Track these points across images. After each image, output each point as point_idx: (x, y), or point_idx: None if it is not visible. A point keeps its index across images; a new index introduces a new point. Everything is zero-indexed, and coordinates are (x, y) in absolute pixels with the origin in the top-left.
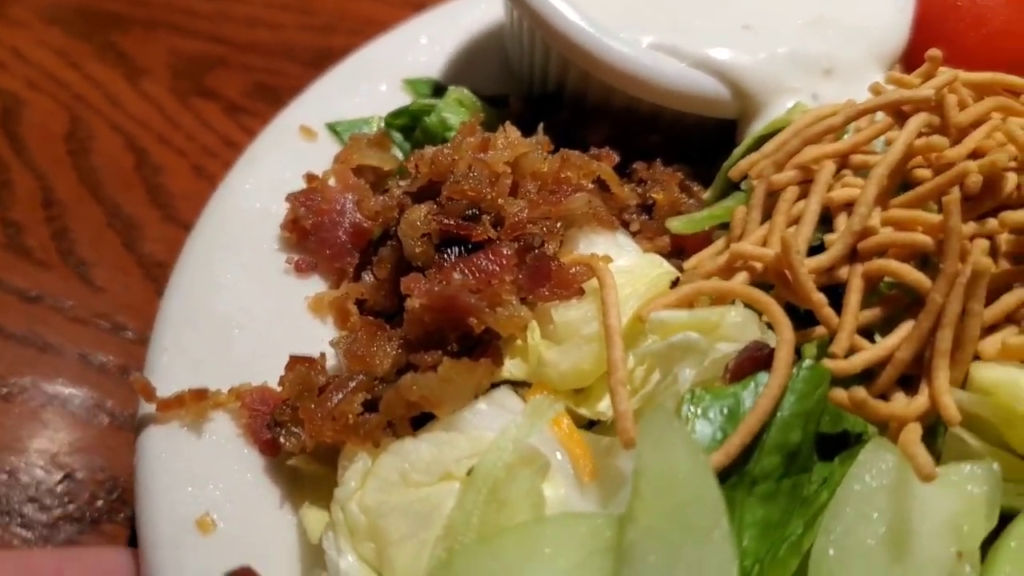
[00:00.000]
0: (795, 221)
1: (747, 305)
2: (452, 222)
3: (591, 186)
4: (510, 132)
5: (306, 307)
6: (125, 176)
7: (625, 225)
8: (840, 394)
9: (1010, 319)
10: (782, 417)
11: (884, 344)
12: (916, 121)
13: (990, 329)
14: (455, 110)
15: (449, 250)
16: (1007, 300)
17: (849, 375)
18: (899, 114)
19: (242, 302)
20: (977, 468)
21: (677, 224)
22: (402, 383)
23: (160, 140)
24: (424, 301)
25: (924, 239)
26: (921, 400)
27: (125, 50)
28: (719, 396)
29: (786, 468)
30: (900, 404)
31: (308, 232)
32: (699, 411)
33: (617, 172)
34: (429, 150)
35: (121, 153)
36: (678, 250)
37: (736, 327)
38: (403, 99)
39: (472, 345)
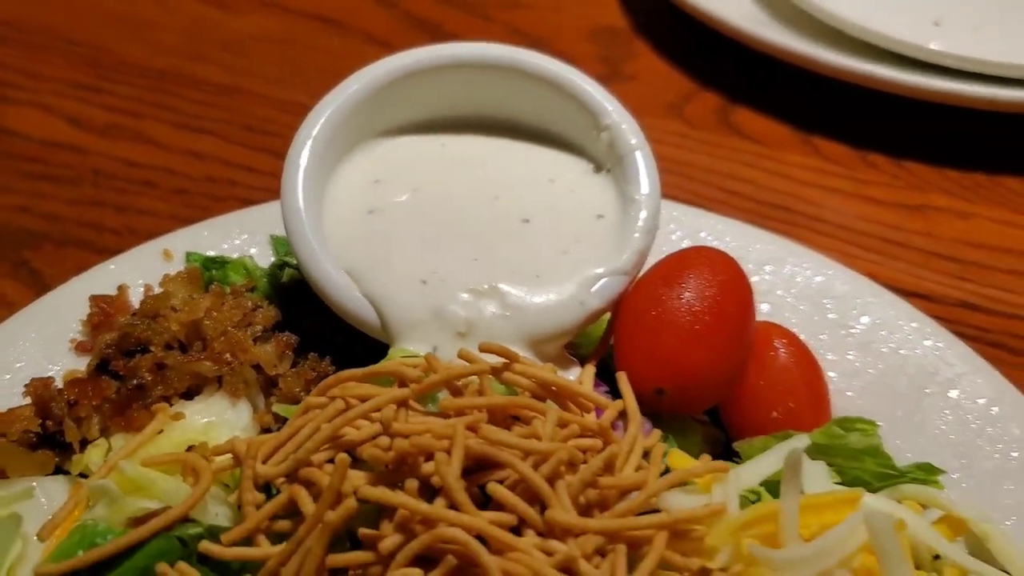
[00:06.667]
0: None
1: None
2: (111, 351)
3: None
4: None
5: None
6: None
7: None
8: None
9: None
10: None
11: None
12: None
13: None
14: (238, 271)
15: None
16: None
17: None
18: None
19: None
20: None
21: (276, 408)
22: None
23: None
24: (30, 393)
25: None
26: None
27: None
28: None
29: None
30: None
31: (94, 326)
32: None
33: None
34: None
35: None
36: None
37: (167, 493)
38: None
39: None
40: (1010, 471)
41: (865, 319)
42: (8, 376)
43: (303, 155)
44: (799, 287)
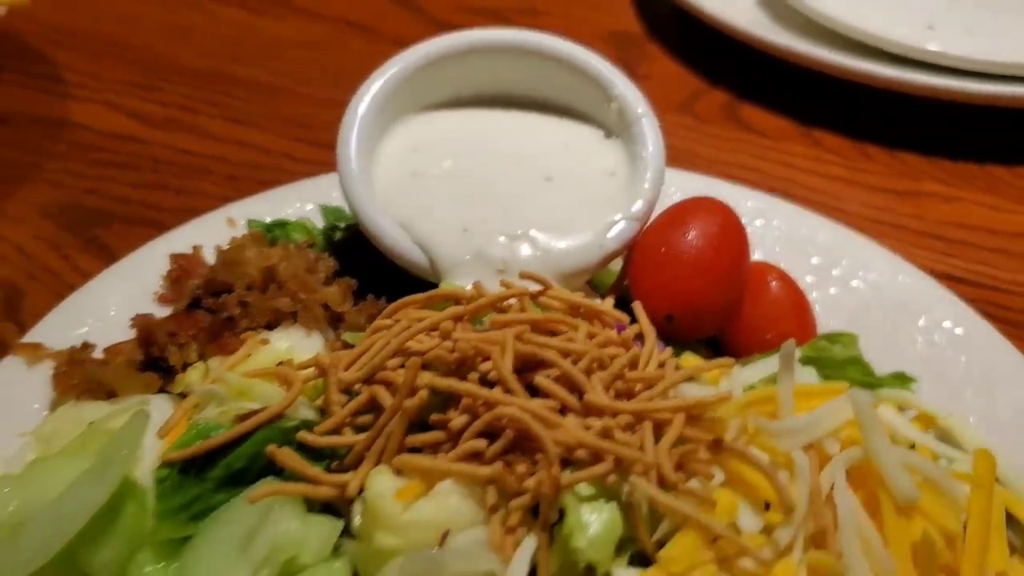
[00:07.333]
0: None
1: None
2: (200, 292)
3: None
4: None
5: None
6: None
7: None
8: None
9: None
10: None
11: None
12: None
13: None
14: (299, 230)
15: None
16: None
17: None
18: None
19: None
20: None
21: (346, 336)
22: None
23: None
24: (136, 326)
25: None
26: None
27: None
28: None
29: None
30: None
31: (173, 280)
32: None
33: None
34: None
35: None
36: None
37: (265, 397)
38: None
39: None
40: (971, 379)
41: (845, 261)
42: (102, 323)
43: (354, 128)
44: (786, 236)
